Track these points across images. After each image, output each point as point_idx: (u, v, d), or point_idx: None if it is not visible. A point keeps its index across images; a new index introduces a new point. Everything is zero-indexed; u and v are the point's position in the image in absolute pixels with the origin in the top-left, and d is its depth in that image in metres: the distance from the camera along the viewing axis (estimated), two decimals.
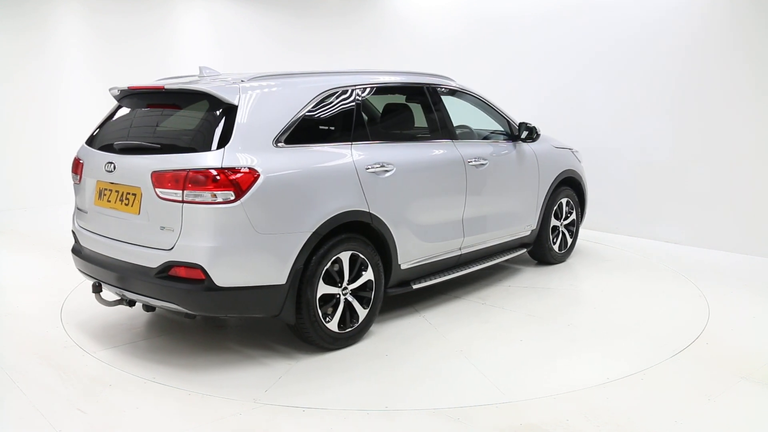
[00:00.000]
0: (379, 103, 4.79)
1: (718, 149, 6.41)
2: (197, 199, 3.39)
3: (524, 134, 5.27)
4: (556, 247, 5.78)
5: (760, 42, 6.01)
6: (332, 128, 4.04)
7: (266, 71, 4.03)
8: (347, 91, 4.13)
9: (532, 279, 5.42)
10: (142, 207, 3.62)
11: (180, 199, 3.43)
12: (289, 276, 3.58)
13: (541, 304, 4.80)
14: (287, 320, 3.70)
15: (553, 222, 5.69)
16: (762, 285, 5.30)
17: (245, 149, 3.50)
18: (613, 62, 7.12)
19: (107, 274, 3.83)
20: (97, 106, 7.07)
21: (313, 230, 3.65)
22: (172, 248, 3.48)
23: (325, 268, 3.75)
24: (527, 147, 5.37)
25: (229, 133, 3.49)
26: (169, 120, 3.94)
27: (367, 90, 4.34)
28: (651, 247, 6.54)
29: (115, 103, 4.27)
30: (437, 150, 4.61)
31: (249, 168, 3.45)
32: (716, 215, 6.46)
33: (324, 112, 3.99)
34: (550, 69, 7.70)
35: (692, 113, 6.56)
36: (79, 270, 4.20)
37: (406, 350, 3.97)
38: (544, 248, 5.67)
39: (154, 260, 3.55)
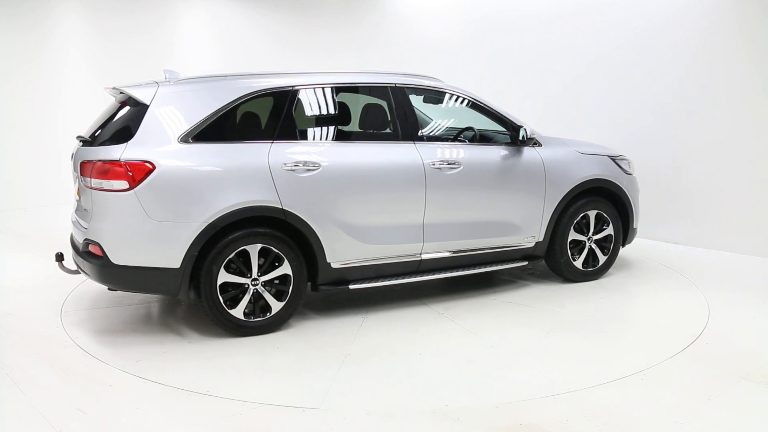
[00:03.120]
0: (326, 104, 4.72)
1: (718, 149, 6.40)
2: (101, 187, 3.88)
3: (520, 138, 4.88)
4: (578, 264, 5.19)
5: (762, 42, 6.01)
6: (253, 127, 4.26)
7: (210, 73, 4.45)
8: (276, 92, 4.28)
9: (528, 295, 4.98)
10: (81, 191, 4.17)
11: (91, 186, 3.94)
12: (183, 261, 3.89)
13: (498, 321, 4.43)
14: (184, 301, 3.99)
15: (575, 236, 5.15)
16: (762, 285, 5.30)
17: (147, 144, 3.90)
18: (614, 63, 7.12)
19: (72, 249, 4.43)
20: (97, 106, 7.06)
21: (210, 221, 3.91)
22: (87, 228, 4.01)
23: (228, 258, 4.00)
24: (531, 152, 4.97)
25: (137, 129, 3.93)
26: (115, 116, 4.26)
27: (303, 91, 4.38)
28: (651, 247, 6.53)
29: (110, 101, 4.57)
30: (386, 151, 4.51)
31: (144, 161, 3.83)
32: (716, 215, 6.46)
33: (245, 112, 4.23)
34: (551, 69, 7.70)
35: (693, 113, 6.56)
36: None
37: (300, 346, 4.02)
38: (558, 264, 5.16)
39: (81, 237, 4.12)
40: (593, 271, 5.30)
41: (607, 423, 3.03)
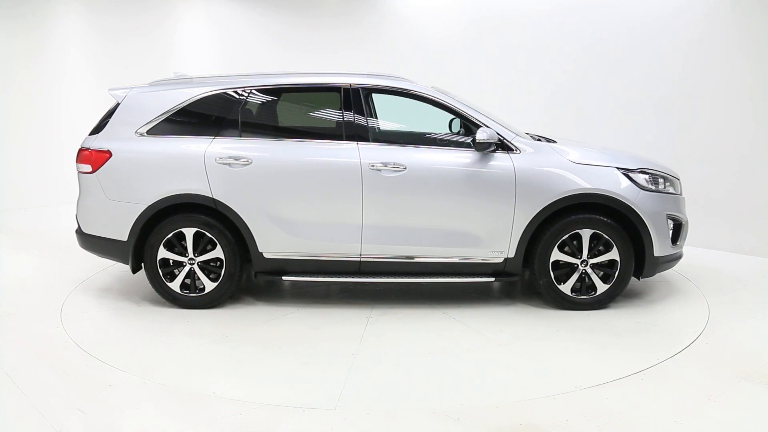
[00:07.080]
0: (271, 104, 4.80)
1: (718, 149, 6.41)
2: (79, 170, 4.73)
3: (474, 142, 4.48)
4: (564, 289, 4.59)
5: (761, 41, 6.01)
6: (201, 124, 4.69)
7: (182, 76, 4.99)
8: (225, 93, 4.71)
9: (484, 313, 4.58)
10: None
11: (76, 169, 4.75)
12: (129, 235, 4.59)
13: (409, 330, 4.26)
14: (132, 269, 4.72)
15: (561, 257, 4.56)
16: (762, 285, 5.31)
17: (111, 136, 4.67)
18: (614, 62, 7.12)
19: None
20: (97, 106, 7.07)
21: (150, 204, 4.54)
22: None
23: (167, 237, 4.60)
24: (502, 158, 4.49)
25: (107, 123, 4.70)
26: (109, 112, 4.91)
27: (252, 93, 4.73)
28: None
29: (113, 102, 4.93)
30: (323, 150, 4.55)
31: (104, 149, 4.62)
32: (716, 215, 6.46)
33: (194, 111, 4.70)
34: (551, 69, 7.70)
35: (692, 113, 6.56)
36: None
37: (207, 329, 4.29)
38: (539, 285, 4.63)
39: None
40: (587, 301, 4.62)
41: (607, 423, 3.03)
